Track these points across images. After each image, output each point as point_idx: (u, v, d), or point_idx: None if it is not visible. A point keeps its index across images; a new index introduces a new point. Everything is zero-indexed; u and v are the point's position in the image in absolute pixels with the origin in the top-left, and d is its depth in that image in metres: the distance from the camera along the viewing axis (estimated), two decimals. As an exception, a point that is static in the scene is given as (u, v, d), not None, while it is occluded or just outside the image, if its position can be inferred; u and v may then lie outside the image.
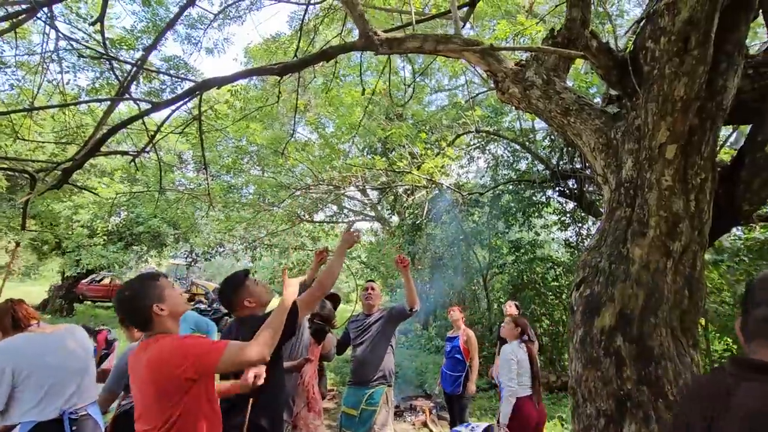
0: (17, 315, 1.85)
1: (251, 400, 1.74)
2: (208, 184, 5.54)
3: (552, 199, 9.51)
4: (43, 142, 4.17)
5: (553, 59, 2.23)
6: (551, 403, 6.04)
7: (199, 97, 3.64)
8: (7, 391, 1.64)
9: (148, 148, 3.70)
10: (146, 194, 8.72)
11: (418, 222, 10.87)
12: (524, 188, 9.26)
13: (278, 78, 3.55)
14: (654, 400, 1.41)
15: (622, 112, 1.89)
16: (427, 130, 9.66)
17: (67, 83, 4.51)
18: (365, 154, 9.37)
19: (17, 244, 8.52)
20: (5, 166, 3.59)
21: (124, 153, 3.60)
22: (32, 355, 1.74)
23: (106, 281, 18.00)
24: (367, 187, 7.78)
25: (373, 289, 3.26)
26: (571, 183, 7.98)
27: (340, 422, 2.98)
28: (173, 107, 3.65)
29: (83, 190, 6.85)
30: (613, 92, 2.04)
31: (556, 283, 9.42)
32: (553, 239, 11.52)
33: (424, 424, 4.92)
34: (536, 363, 3.35)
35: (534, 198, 9.41)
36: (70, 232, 11.23)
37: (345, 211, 17.79)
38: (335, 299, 3.00)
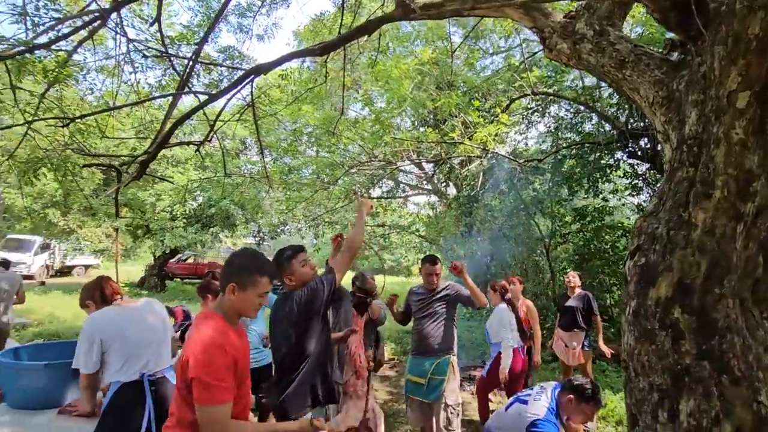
0: (105, 291, 2.13)
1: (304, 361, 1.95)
2: (264, 167, 5.83)
3: (622, 162, 8.75)
4: (124, 139, 4.66)
5: (606, 6, 2.02)
6: (620, 376, 5.76)
7: (251, 83, 3.80)
8: (98, 356, 1.94)
9: (209, 137, 3.98)
10: (214, 179, 9.39)
11: (474, 193, 10.59)
12: (589, 151, 8.61)
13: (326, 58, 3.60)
14: (717, 376, 1.31)
15: (687, 59, 1.68)
16: (480, 97, 9.25)
17: (139, 82, 4.93)
18: (416, 126, 9.24)
19: (116, 230, 9.71)
20: (97, 162, 4.08)
21: (189, 143, 3.90)
22: (116, 327, 2.01)
23: (191, 260, 19.96)
24: (420, 160, 7.71)
25: (438, 274, 3.19)
26: (642, 143, 7.28)
27: (405, 389, 3.10)
28: (228, 96, 3.85)
29: (161, 179, 7.53)
30: (674, 38, 1.81)
31: (627, 252, 8.79)
32: (623, 204, 10.68)
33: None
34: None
35: (601, 161, 8.72)
36: (155, 217, 12.49)
37: (401, 185, 17.82)
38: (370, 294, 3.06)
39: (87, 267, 19.74)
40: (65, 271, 18.90)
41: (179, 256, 18.70)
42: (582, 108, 8.13)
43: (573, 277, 4.50)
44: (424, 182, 17.25)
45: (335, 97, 7.26)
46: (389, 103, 7.31)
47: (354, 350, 2.37)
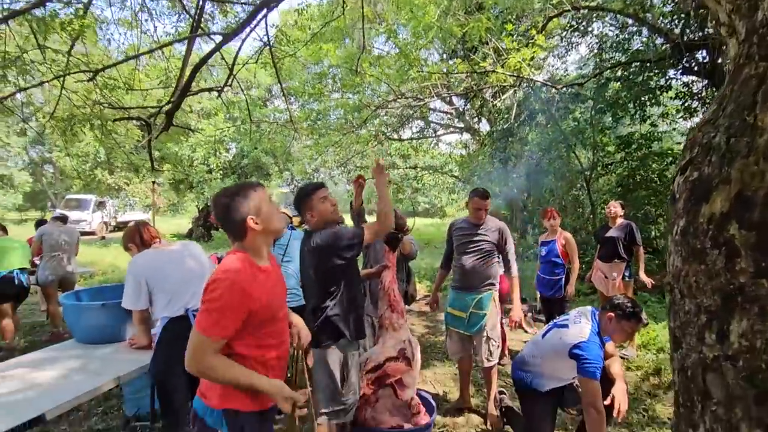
0: (143, 235, 2.24)
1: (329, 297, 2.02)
2: (288, 109, 5.72)
3: (674, 81, 7.92)
4: (148, 89, 4.68)
5: None
6: (664, 306, 5.63)
7: (265, 21, 3.61)
8: (146, 294, 2.07)
9: (230, 81, 3.90)
10: (242, 128, 9.43)
11: (509, 126, 10.06)
12: (637, 71, 7.82)
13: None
14: (775, 294, 1.19)
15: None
16: (513, 20, 8.45)
17: (156, 30, 4.83)
18: (444, 59, 8.68)
19: (153, 183, 10.17)
20: (126, 116, 4.15)
21: (210, 90, 3.86)
22: (157, 267, 2.13)
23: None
24: (450, 94, 7.32)
25: (486, 209, 3.04)
26: (700, 56, 6.50)
27: (446, 320, 3.15)
28: (243, 36, 3.70)
29: (189, 130, 7.64)
30: None
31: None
32: (674, 129, 9.85)
33: (519, 326, 5.03)
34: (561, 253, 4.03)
35: (650, 82, 7.92)
36: (193, 170, 12.92)
37: (431, 125, 17.26)
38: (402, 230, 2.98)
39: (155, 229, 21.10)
40: (121, 226, 20.35)
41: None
42: (630, 22, 7.28)
43: (614, 207, 4.26)
44: (455, 120, 16.60)
45: (356, 32, 6.86)
46: (414, 34, 6.83)
47: (388, 285, 2.40)
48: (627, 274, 4.11)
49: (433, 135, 17.41)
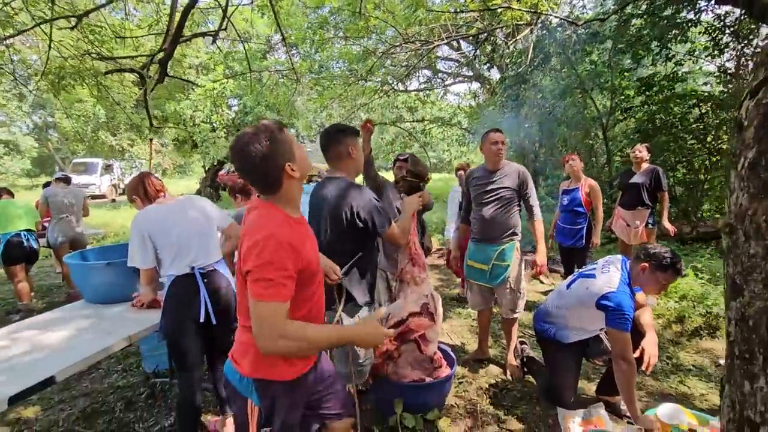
0: (147, 187, 2.09)
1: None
2: (290, 57, 5.33)
3: (705, 14, 7.26)
4: (139, 37, 4.36)
5: None
6: (684, 254, 5.52)
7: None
8: (152, 251, 1.97)
9: (224, 25, 3.59)
10: (242, 82, 9.01)
11: (522, 71, 9.50)
12: (663, 5, 7.18)
13: None
14: None
15: None
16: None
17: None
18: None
19: (151, 141, 9.94)
20: (117, 67, 3.90)
21: (204, 34, 3.56)
22: (159, 221, 2.00)
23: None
24: (461, 35, 6.83)
25: (503, 142, 2.81)
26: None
27: (466, 273, 3.01)
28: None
29: (189, 83, 7.30)
30: None
31: (699, 124, 7.80)
32: (700, 68, 9.24)
33: (535, 277, 4.95)
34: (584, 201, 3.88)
35: (676, 17, 7.29)
36: (197, 129, 12.62)
37: (439, 75, 16.51)
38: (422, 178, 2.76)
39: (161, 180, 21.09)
40: None
41: (227, 167, 19.37)
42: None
43: (640, 151, 3.99)
44: (464, 68, 15.82)
45: (359, -32, 6.30)
46: (421, -31, 6.26)
47: (409, 238, 2.25)
48: (651, 221, 3.93)
49: (441, 85, 16.71)
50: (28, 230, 4.27)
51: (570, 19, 6.68)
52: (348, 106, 9.42)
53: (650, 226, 3.95)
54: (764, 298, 1.20)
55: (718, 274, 4.07)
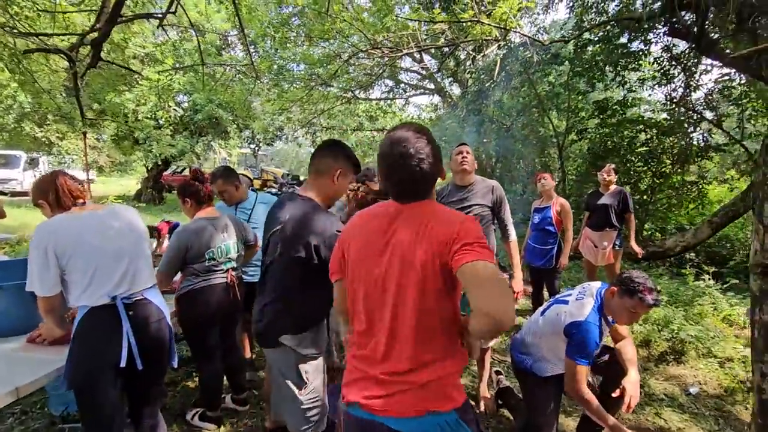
0: (59, 190, 1.64)
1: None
2: (248, 52, 4.88)
3: (654, 45, 7.72)
4: (65, 12, 3.73)
5: None
6: (649, 275, 5.65)
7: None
8: (56, 273, 1.52)
9: (174, 8, 3.15)
10: (193, 76, 8.35)
11: (484, 88, 9.64)
12: (618, 33, 7.55)
13: None
14: None
15: None
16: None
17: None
18: (422, 9, 7.98)
19: (84, 135, 8.93)
20: (40, 47, 3.30)
21: (148, 16, 3.10)
22: (72, 234, 1.55)
23: (187, 172, 19.44)
24: (431, 46, 6.72)
25: (468, 152, 2.62)
26: (687, 17, 6.26)
27: None
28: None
29: (130, 71, 6.58)
30: None
31: (645, 149, 8.24)
32: (649, 95, 9.82)
33: (519, 297, 4.84)
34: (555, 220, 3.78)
35: (629, 46, 7.71)
36: (140, 125, 11.60)
37: (401, 86, 16.53)
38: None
39: (81, 183, 19.20)
40: None
41: (173, 167, 18.05)
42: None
43: (608, 173, 4.00)
44: (426, 81, 15.97)
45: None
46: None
47: None
48: (618, 242, 3.93)
49: (403, 96, 16.74)
50: None
51: (536, 39, 6.78)
52: (308, 109, 9.03)
53: (617, 247, 3.95)
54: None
55: (675, 296, 4.13)
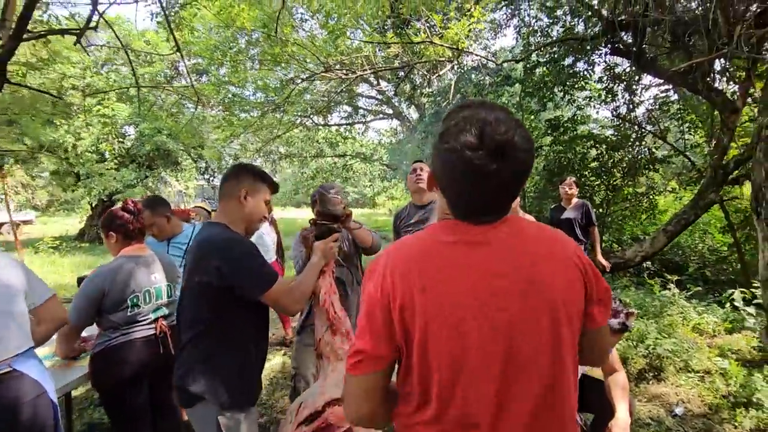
0: None
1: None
2: (188, 70, 4.55)
3: (598, 66, 8.12)
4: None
5: None
6: (614, 287, 5.62)
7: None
8: None
9: (94, 23, 2.82)
10: (136, 106, 7.85)
11: (441, 110, 9.76)
12: (564, 54, 7.88)
13: None
14: None
15: None
16: (444, -4, 8.04)
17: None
18: (376, 33, 8.02)
19: (1, 168, 8.12)
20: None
21: (64, 32, 2.74)
22: None
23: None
24: (381, 69, 6.67)
25: (422, 169, 2.49)
26: (627, 37, 6.60)
27: None
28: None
29: (55, 97, 6.03)
30: None
31: (597, 163, 8.51)
32: (596, 112, 10.27)
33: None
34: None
35: (574, 66, 8.07)
36: (80, 160, 10.79)
37: (360, 111, 16.61)
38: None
39: (18, 224, 17.53)
40: None
41: (120, 202, 16.89)
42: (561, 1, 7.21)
43: (570, 187, 3.95)
44: (384, 106, 16.14)
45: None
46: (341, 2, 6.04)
47: (324, 297, 1.67)
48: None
49: (363, 121, 16.80)
50: None
51: (489, 59, 6.91)
52: (264, 135, 8.71)
53: (584, 262, 3.86)
54: None
55: (645, 308, 4.06)
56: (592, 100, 8.70)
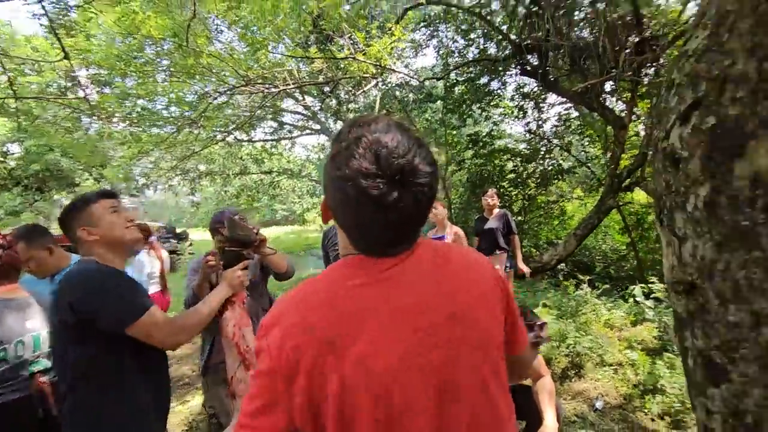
0: None
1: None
2: (78, 81, 4.03)
3: (510, 85, 8.81)
4: None
5: None
6: (526, 292, 5.95)
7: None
8: None
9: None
10: (23, 117, 6.85)
11: (368, 125, 9.89)
12: (480, 73, 8.42)
13: None
14: None
15: None
16: (366, 15, 8.21)
17: None
18: (298, 47, 7.89)
19: None
20: None
21: None
22: None
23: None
24: (304, 84, 6.56)
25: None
26: (533, 59, 7.23)
27: None
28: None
29: None
30: None
31: (514, 175, 9.16)
32: (510, 128, 11.08)
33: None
34: None
35: (489, 85, 8.67)
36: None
37: (285, 127, 16.22)
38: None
39: None
40: None
41: (4, 232, 14.60)
42: (476, 24, 7.70)
43: (491, 198, 4.15)
44: (310, 122, 15.94)
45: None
46: (260, 11, 5.85)
47: (233, 331, 1.50)
48: (508, 264, 4.03)
49: (289, 137, 16.41)
50: None
51: (412, 76, 7.12)
52: (179, 152, 8.08)
53: (508, 269, 4.05)
54: (763, 384, 0.92)
55: (563, 308, 4.33)
56: (506, 116, 9.38)
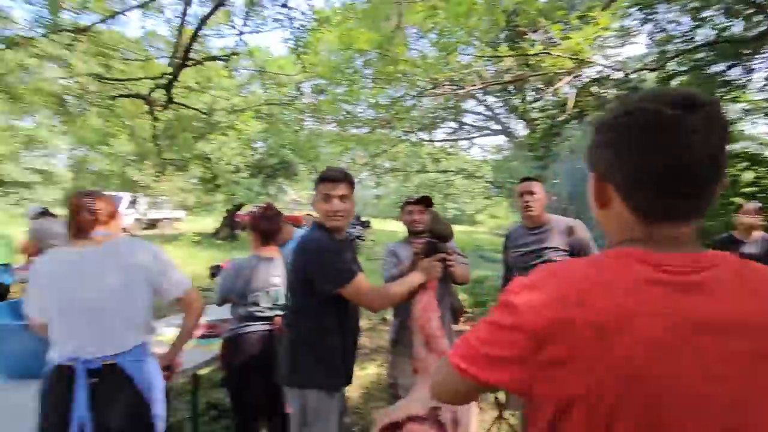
0: (79, 213, 1.40)
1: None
2: (304, 94, 5.08)
3: (759, 71, 6.81)
4: (144, 59, 4.24)
5: None
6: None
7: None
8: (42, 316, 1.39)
9: (239, 42, 3.29)
10: (268, 123, 8.89)
11: (556, 124, 9.11)
12: (712, 60, 6.78)
13: None
14: None
15: None
16: (566, 5, 7.58)
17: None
18: (487, 46, 7.89)
19: (158, 175, 9.88)
20: (124, 93, 3.63)
21: (214, 58, 3.27)
22: (53, 276, 1.36)
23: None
24: (491, 83, 6.52)
25: (531, 192, 2.24)
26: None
27: None
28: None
29: (201, 113, 7.08)
30: None
31: (754, 188, 7.07)
32: (756, 127, 8.61)
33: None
34: None
35: (724, 75, 6.90)
36: (221, 169, 12.59)
37: (464, 128, 16.42)
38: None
39: (172, 220, 20.88)
40: (155, 223, 20.18)
41: (248, 208, 19.23)
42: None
43: (752, 217, 3.14)
44: (490, 122, 15.70)
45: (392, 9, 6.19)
46: (455, 16, 6.07)
47: (420, 314, 1.63)
48: None
49: (468, 137, 16.56)
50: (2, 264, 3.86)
51: (615, 68, 6.28)
52: (370, 150, 9.14)
53: None
54: None
55: None
56: (751, 112, 7.31)
